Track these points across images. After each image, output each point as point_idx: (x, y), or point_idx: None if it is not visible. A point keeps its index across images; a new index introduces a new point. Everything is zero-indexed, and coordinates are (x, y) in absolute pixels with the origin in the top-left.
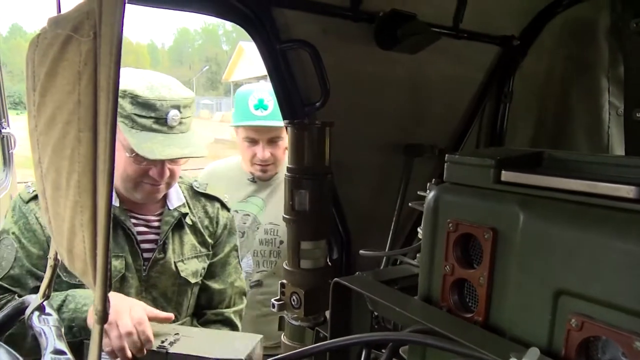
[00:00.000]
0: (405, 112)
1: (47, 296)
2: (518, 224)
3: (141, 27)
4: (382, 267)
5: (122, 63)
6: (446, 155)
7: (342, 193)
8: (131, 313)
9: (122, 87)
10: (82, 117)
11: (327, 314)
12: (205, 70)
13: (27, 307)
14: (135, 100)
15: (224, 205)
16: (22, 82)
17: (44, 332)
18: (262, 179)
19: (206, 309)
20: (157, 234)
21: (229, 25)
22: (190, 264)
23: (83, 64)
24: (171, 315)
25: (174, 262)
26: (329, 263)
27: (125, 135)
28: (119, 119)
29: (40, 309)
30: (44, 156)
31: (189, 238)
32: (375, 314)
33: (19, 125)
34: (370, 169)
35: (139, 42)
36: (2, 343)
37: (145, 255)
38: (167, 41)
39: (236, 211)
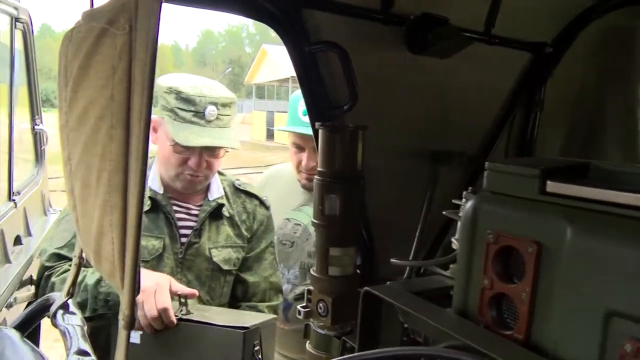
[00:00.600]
0: (432, 118)
1: (71, 294)
2: (565, 238)
3: (165, 28)
4: (405, 276)
5: None
6: (486, 162)
7: (366, 198)
8: (156, 297)
9: (169, 84)
10: (115, 113)
11: (355, 323)
12: (228, 72)
13: (51, 304)
14: (179, 95)
15: (262, 203)
16: (49, 80)
17: (68, 332)
18: (307, 187)
19: (241, 301)
20: (196, 221)
21: (252, 27)
22: (223, 252)
23: (118, 58)
24: (195, 291)
25: (208, 247)
26: (358, 270)
27: (168, 126)
28: (164, 112)
29: (65, 307)
30: (73, 153)
31: (225, 228)
32: (406, 325)
33: (46, 122)
34: (395, 175)
35: (163, 43)
36: (26, 339)
37: (183, 240)
38: (191, 42)
39: (288, 219)
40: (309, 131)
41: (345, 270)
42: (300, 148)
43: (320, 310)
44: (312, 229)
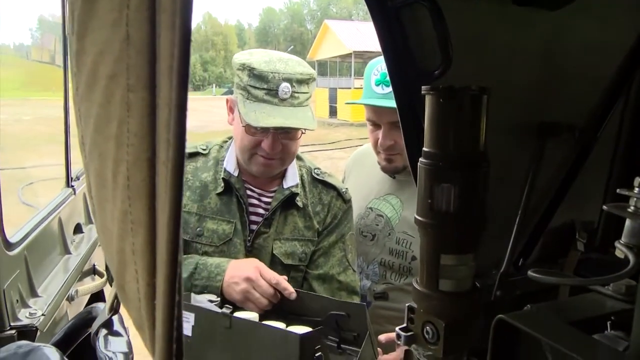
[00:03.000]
0: (538, 84)
1: (115, 310)
2: None
3: (229, 7)
4: (502, 270)
5: (209, 45)
6: None
7: None
8: (263, 275)
9: (243, 61)
10: (132, 65)
11: (472, 352)
12: (290, 49)
13: (94, 317)
14: (252, 72)
15: (340, 195)
16: None
17: None
18: (386, 170)
19: None
20: (267, 209)
21: (313, 4)
22: (286, 245)
23: None
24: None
25: (272, 239)
26: (477, 284)
27: (239, 105)
28: (238, 91)
29: (108, 325)
30: (86, 133)
31: (294, 219)
32: None
33: None
34: (494, 151)
35: (227, 22)
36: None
37: (252, 227)
38: (254, 21)
39: (370, 209)
40: (381, 102)
41: (462, 284)
42: (375, 125)
43: (427, 336)
44: (395, 223)
